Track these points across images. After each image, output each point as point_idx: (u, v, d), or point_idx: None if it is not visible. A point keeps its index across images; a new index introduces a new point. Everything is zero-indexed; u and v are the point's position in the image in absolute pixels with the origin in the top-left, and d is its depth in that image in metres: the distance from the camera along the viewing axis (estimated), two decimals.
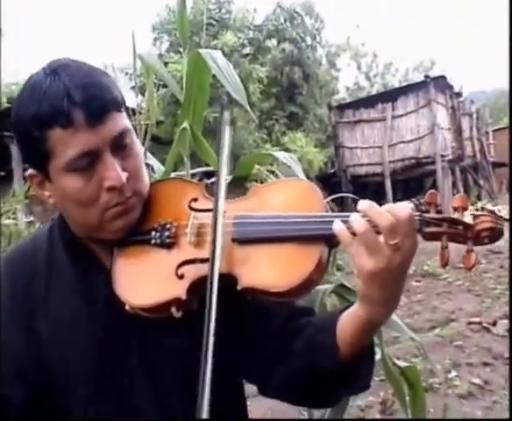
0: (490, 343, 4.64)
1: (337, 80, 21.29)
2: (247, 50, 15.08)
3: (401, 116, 14.26)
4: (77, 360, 0.90)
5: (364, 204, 0.75)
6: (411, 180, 15.10)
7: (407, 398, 1.74)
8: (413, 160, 14.12)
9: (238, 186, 1.51)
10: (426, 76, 14.87)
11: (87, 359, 0.90)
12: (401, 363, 1.79)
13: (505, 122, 20.86)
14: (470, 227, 0.75)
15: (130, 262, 0.90)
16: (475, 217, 0.75)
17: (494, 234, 0.75)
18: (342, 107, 15.66)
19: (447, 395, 3.69)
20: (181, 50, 1.76)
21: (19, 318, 0.92)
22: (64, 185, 0.85)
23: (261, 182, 1.00)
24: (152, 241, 0.89)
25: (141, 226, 0.91)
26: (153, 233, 0.89)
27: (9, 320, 0.91)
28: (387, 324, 1.46)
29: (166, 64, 7.71)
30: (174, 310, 0.83)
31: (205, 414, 0.72)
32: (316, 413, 1.83)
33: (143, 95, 2.57)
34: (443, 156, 13.69)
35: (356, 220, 0.75)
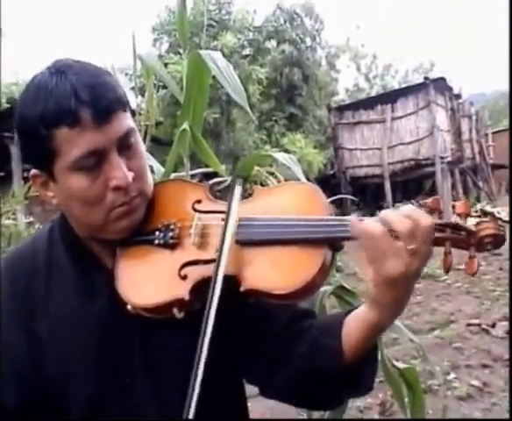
0: (489, 345, 4.64)
1: (336, 81, 21.32)
2: (247, 51, 15.08)
3: (400, 117, 14.27)
4: (78, 359, 0.90)
5: (385, 211, 0.78)
6: (410, 181, 15.12)
7: (406, 400, 1.74)
8: (412, 162, 14.13)
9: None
10: (426, 78, 14.84)
11: (88, 358, 0.90)
12: (401, 365, 1.78)
13: (504, 124, 20.89)
14: (473, 233, 0.76)
15: (133, 262, 0.89)
16: (478, 223, 0.76)
17: (497, 241, 0.76)
18: (341, 108, 15.67)
19: (446, 396, 3.68)
20: (181, 51, 1.75)
21: (19, 319, 0.92)
22: (69, 184, 0.84)
23: (261, 184, 1.00)
24: (156, 241, 0.89)
25: (145, 227, 0.91)
26: (157, 234, 0.89)
27: (9, 320, 0.91)
28: None
29: (166, 65, 7.72)
30: (176, 310, 0.83)
31: (191, 414, 0.73)
32: (315, 414, 1.83)
33: (143, 96, 2.57)
34: (442, 158, 13.69)
35: (398, 221, 0.75)
